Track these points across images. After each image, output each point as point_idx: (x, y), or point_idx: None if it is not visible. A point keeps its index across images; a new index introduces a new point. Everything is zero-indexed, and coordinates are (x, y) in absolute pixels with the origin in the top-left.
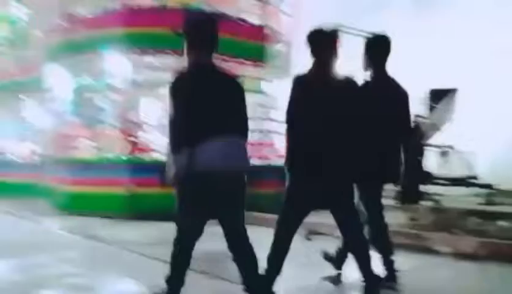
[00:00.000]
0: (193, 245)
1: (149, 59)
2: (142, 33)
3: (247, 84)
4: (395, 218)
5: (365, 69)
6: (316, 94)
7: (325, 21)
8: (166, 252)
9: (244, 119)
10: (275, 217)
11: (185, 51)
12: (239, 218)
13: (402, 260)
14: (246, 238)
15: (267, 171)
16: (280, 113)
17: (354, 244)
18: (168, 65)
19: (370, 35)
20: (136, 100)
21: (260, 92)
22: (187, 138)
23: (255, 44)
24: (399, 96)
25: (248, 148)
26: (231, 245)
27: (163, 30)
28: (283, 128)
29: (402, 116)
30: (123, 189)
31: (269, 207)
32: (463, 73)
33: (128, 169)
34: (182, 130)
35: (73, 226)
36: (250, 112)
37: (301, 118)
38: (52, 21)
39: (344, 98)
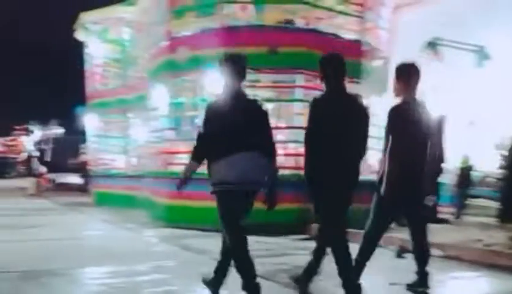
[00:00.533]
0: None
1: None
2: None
3: None
4: (495, 237)
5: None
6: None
7: (422, 36)
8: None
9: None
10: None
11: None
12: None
13: (500, 282)
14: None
15: (359, 187)
16: (376, 129)
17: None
18: (265, 82)
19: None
20: None
21: None
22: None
23: (351, 60)
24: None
25: None
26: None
27: (261, 48)
28: (378, 144)
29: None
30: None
31: (360, 222)
32: None
33: None
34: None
35: (169, 237)
36: None
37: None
38: (157, 43)
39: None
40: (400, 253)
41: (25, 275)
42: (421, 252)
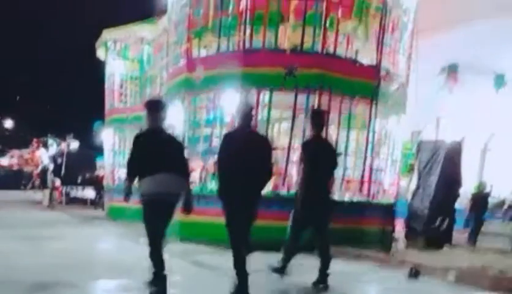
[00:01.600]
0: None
1: (262, 96)
2: (256, 73)
3: (359, 122)
4: (510, 264)
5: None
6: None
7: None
8: (266, 279)
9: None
10: (378, 255)
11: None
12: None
13: None
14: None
15: (373, 209)
16: (390, 151)
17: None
18: (281, 103)
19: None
20: None
21: (372, 130)
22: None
23: (369, 83)
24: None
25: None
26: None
27: (278, 70)
28: (392, 166)
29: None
30: None
31: (375, 244)
32: None
33: None
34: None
35: (181, 252)
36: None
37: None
38: (175, 62)
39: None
40: (413, 274)
41: (37, 286)
42: (326, 255)
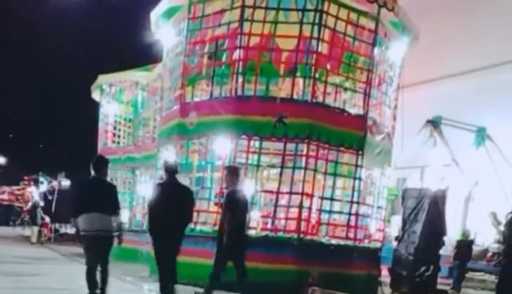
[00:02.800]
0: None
1: (252, 143)
2: (247, 120)
3: (345, 170)
4: None
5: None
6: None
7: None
8: None
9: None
10: None
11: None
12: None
13: None
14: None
15: (359, 253)
16: (375, 198)
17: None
18: (270, 150)
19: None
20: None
21: (359, 178)
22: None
23: (356, 133)
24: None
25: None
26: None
27: (268, 118)
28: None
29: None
30: None
31: (360, 289)
32: None
33: None
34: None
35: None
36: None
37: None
38: (168, 107)
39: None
40: None
41: None
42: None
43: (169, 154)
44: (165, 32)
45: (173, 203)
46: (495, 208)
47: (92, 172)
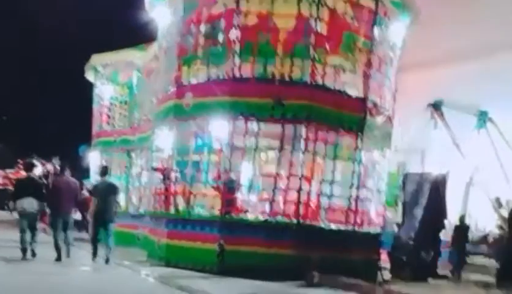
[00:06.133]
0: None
1: (249, 125)
2: (244, 102)
3: (345, 153)
4: None
5: None
6: None
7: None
8: None
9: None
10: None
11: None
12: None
13: None
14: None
15: (358, 238)
16: (375, 181)
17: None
18: (268, 132)
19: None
20: (235, 163)
21: (358, 161)
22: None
23: (355, 116)
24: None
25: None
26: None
27: (266, 100)
28: (377, 196)
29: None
30: (214, 245)
31: (360, 273)
32: None
33: (221, 226)
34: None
35: (166, 277)
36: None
37: None
38: (165, 88)
39: None
40: None
41: None
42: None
43: (164, 136)
44: (159, 11)
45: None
46: (497, 192)
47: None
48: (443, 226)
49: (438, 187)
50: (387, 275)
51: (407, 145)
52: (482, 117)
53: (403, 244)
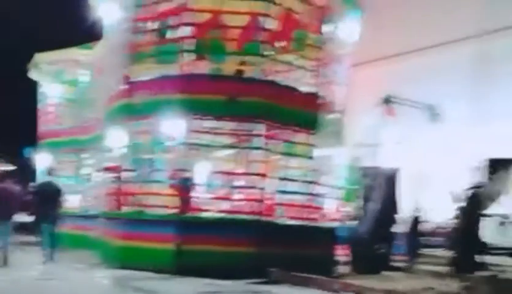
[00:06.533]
0: None
1: (203, 123)
2: (197, 99)
3: (299, 149)
4: (446, 286)
5: None
6: None
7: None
8: None
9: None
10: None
11: None
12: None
13: None
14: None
15: (316, 233)
16: (330, 178)
17: None
18: (221, 129)
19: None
20: (189, 161)
21: (313, 157)
22: None
23: (307, 112)
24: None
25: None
26: None
27: (219, 97)
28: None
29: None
30: (171, 245)
31: (318, 268)
32: None
33: (177, 226)
34: None
35: (120, 279)
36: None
37: None
38: (115, 86)
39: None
40: None
41: None
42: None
43: (116, 135)
44: (105, 8)
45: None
46: (447, 185)
47: None
48: (394, 220)
49: (389, 181)
50: (345, 269)
51: (361, 140)
52: (432, 112)
53: (360, 238)
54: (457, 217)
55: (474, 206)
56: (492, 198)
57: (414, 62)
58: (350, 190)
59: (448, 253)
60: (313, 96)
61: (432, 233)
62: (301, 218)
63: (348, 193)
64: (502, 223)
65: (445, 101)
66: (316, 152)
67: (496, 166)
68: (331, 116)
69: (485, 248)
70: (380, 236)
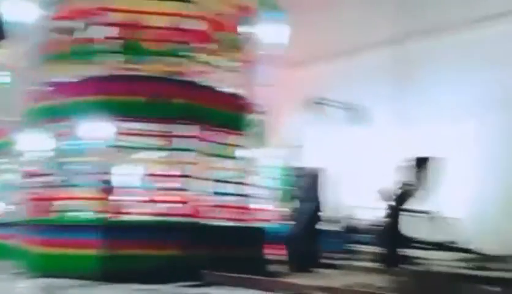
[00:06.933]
0: None
1: (124, 125)
2: (118, 101)
3: (225, 150)
4: (378, 281)
5: None
6: None
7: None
8: None
9: None
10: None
11: None
12: None
13: None
14: None
15: (246, 234)
16: (262, 179)
17: None
18: (143, 131)
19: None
20: (111, 164)
21: (237, 159)
22: None
23: (231, 113)
24: None
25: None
26: None
27: (139, 98)
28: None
29: None
30: (96, 250)
31: (249, 269)
32: (449, 140)
33: (102, 230)
34: None
35: (44, 288)
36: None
37: None
38: (30, 88)
39: None
40: None
41: None
42: None
43: (35, 138)
44: (16, 5)
45: None
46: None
47: None
48: (319, 218)
49: (314, 181)
50: (283, 268)
51: (288, 141)
52: (359, 114)
53: (295, 237)
54: (386, 215)
55: (402, 203)
56: (418, 196)
57: (344, 64)
58: (284, 191)
59: (378, 250)
60: (236, 96)
61: (363, 230)
62: (233, 219)
63: (283, 193)
64: (430, 219)
65: (372, 103)
66: (245, 153)
67: (422, 164)
68: (258, 117)
69: (414, 244)
70: (311, 234)
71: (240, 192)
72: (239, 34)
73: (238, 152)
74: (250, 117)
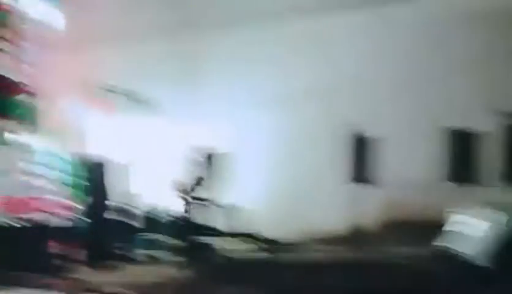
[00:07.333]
0: None
1: None
2: None
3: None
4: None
5: None
6: None
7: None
8: None
9: None
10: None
11: None
12: None
13: None
14: None
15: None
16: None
17: None
18: None
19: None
20: None
21: (6, 144)
22: None
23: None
24: None
25: None
26: None
27: None
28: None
29: None
30: None
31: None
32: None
33: None
34: None
35: None
36: None
37: None
38: None
39: None
40: None
41: None
42: None
43: None
44: None
45: None
46: (164, 176)
47: None
48: (105, 208)
49: (100, 172)
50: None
51: (65, 127)
52: (148, 103)
53: (84, 231)
54: (184, 206)
55: (193, 194)
56: (209, 187)
57: (134, 50)
58: (74, 184)
59: (171, 240)
60: (4, 78)
61: (155, 222)
62: (16, 214)
63: (73, 186)
64: (225, 210)
65: (162, 94)
66: (9, 137)
67: (211, 156)
68: (22, 98)
69: (209, 232)
70: (100, 226)
71: (16, 183)
72: (4, 10)
73: (8, 138)
74: (19, 100)
